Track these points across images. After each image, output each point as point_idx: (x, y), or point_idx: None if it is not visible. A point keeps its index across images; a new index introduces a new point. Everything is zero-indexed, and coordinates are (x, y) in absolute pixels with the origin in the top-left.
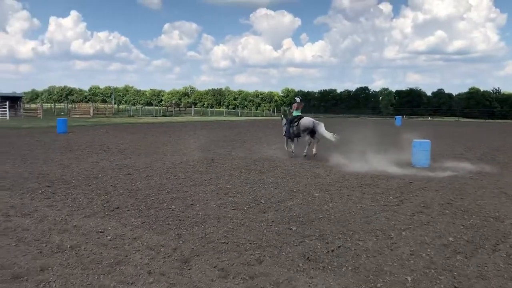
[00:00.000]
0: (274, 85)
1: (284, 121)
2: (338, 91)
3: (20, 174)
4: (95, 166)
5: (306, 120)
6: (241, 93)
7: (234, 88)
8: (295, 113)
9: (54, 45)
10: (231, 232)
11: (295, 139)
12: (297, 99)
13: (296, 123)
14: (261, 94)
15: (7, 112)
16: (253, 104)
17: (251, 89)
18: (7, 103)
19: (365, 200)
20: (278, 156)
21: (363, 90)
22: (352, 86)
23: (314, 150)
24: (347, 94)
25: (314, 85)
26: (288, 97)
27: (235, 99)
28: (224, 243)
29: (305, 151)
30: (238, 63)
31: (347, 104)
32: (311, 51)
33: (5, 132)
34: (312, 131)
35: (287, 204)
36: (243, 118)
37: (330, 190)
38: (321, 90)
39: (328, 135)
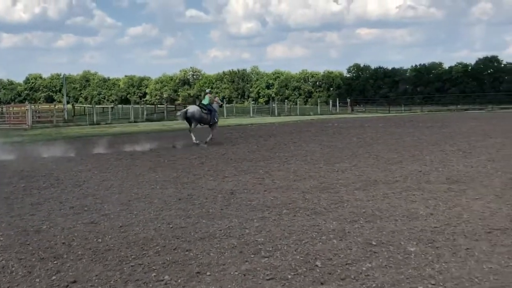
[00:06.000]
0: (334, 61)
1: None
2: (446, 65)
3: None
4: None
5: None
6: (278, 76)
7: (267, 67)
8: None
9: None
10: None
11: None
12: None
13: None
14: (313, 76)
15: None
16: (300, 94)
17: (295, 69)
18: None
19: (497, 257)
20: (344, 181)
21: (490, 62)
22: (470, 57)
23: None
24: (462, 71)
25: (402, 58)
26: (359, 80)
27: (268, 86)
28: None
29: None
30: (271, 26)
31: (462, 87)
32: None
33: None
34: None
35: (361, 267)
36: (283, 119)
37: (436, 240)
38: (416, 66)
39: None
